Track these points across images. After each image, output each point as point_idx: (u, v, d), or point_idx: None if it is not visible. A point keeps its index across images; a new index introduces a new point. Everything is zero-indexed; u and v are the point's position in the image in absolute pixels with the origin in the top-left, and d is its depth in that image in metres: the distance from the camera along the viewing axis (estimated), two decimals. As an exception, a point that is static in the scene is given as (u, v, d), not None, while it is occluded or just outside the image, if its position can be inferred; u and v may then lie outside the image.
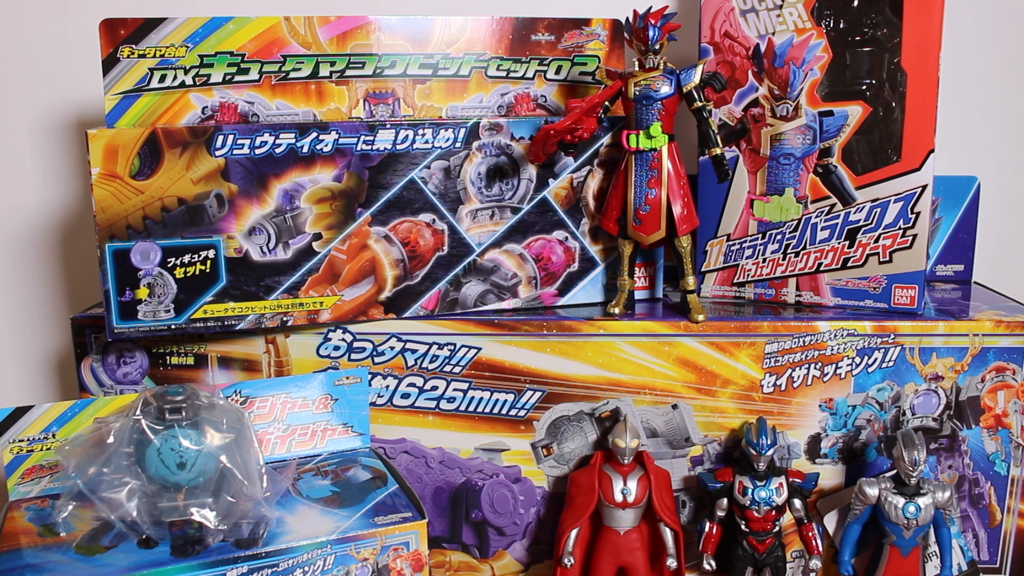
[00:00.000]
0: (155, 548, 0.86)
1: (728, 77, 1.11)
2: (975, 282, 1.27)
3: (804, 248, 1.12)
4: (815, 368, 1.07)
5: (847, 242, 1.10)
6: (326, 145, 1.00)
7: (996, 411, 1.08)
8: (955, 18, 1.19)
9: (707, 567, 1.07)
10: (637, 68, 1.05)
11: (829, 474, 1.10)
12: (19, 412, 0.95)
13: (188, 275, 0.98)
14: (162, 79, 1.04)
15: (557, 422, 1.09)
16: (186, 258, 0.98)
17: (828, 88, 1.08)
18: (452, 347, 1.06)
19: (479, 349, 1.06)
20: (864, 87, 1.07)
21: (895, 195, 1.07)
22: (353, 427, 1.07)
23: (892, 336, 1.06)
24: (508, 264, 1.09)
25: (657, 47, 1.03)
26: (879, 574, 1.04)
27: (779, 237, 1.13)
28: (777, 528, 1.05)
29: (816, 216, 1.11)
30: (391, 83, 1.10)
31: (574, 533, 1.03)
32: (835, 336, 1.06)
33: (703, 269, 1.17)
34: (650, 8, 1.03)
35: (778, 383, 1.07)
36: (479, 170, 1.06)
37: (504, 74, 1.13)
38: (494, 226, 1.08)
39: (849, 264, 1.11)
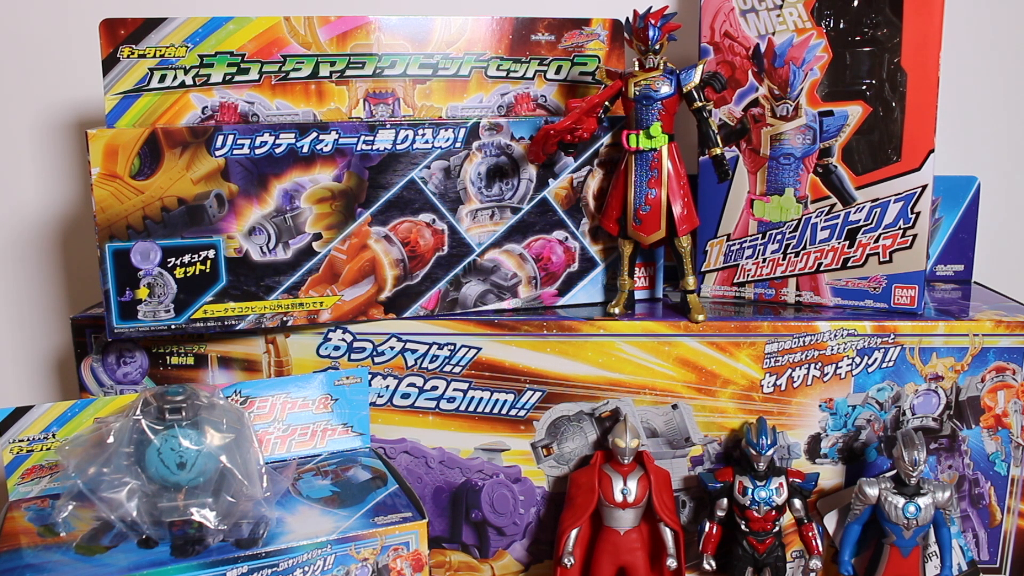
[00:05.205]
0: (155, 548, 0.86)
1: (728, 77, 1.11)
2: (975, 282, 1.27)
3: (804, 248, 1.12)
4: (815, 368, 1.07)
5: (847, 242, 1.10)
6: (326, 145, 1.00)
7: (996, 411, 1.08)
8: (955, 18, 1.19)
9: (707, 567, 1.07)
10: (637, 68, 1.05)
11: (829, 474, 1.10)
12: (19, 412, 0.95)
13: (188, 275, 0.98)
14: (162, 79, 1.04)
15: (557, 422, 1.09)
16: (186, 258, 0.98)
17: (828, 88, 1.08)
18: (452, 347, 1.06)
19: (479, 349, 1.06)
20: (864, 87, 1.07)
21: (895, 195, 1.08)
22: (353, 427, 1.07)
23: (892, 336, 1.06)
24: (508, 264, 1.09)
25: (657, 47, 1.04)
26: (879, 574, 1.04)
27: (779, 237, 1.13)
28: (777, 528, 1.05)
29: (816, 216, 1.11)
30: (391, 83, 1.10)
31: (574, 533, 1.03)
32: (835, 336, 1.06)
33: (703, 269, 1.17)
34: (650, 8, 1.03)
35: (778, 383, 1.07)
36: (479, 170, 1.06)
37: (504, 74, 1.14)
38: (494, 226, 1.08)
39: (849, 264, 1.11)
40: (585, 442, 1.10)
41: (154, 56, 1.03)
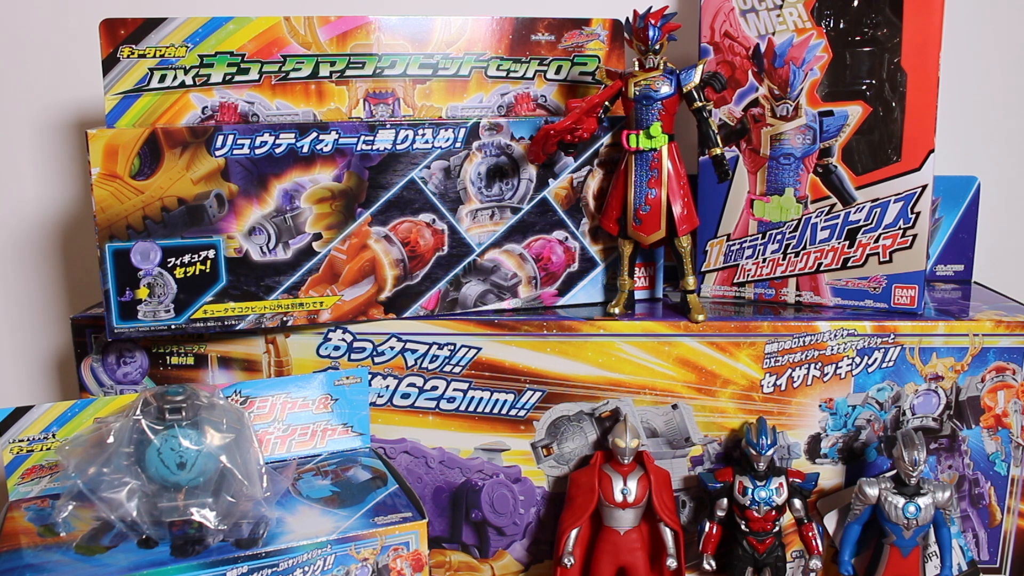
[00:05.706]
0: (155, 548, 0.86)
1: (728, 77, 1.11)
2: (975, 282, 1.27)
3: (804, 248, 1.12)
4: (815, 368, 1.07)
5: (847, 242, 1.10)
6: (326, 145, 1.00)
7: (996, 411, 1.08)
8: (955, 18, 1.19)
9: (707, 567, 1.07)
10: (637, 68, 1.05)
11: (829, 474, 1.10)
12: (19, 412, 0.95)
13: (188, 275, 0.98)
14: (162, 79, 1.04)
15: (557, 422, 1.09)
16: (186, 258, 0.98)
17: (828, 88, 1.08)
18: (452, 347, 1.06)
19: (479, 349, 1.06)
20: (864, 87, 1.07)
21: (895, 195, 1.07)
22: (353, 427, 1.07)
23: (892, 336, 1.06)
24: (508, 264, 1.09)
25: (657, 47, 1.04)
26: (879, 574, 1.04)
27: (779, 237, 1.13)
28: (777, 528, 1.05)
29: (816, 216, 1.11)
30: (391, 83, 1.10)
31: (574, 533, 1.03)
32: (835, 336, 1.06)
33: (703, 269, 1.17)
34: (650, 8, 1.03)
35: (778, 383, 1.07)
36: (479, 170, 1.06)
37: (504, 74, 1.13)
38: (494, 226, 1.08)
39: (849, 264, 1.11)
40: (585, 442, 1.10)
41: (154, 56, 1.03)
